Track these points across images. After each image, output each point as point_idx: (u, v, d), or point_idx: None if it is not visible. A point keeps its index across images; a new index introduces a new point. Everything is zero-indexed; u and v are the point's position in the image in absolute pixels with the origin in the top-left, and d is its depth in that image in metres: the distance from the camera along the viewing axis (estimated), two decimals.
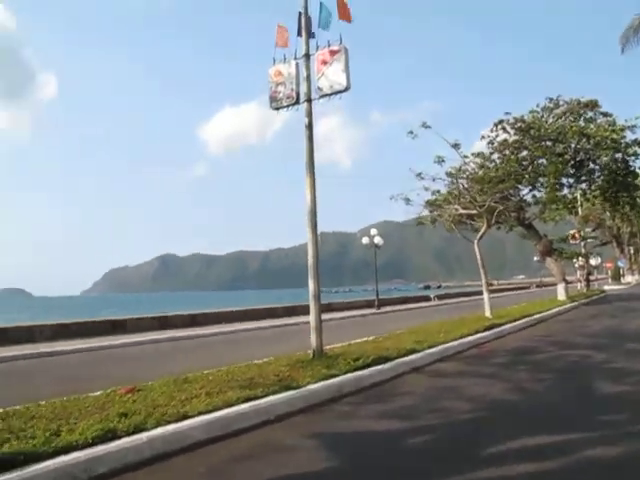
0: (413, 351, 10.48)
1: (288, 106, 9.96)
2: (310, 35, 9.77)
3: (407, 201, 19.42)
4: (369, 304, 32.97)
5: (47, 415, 5.99)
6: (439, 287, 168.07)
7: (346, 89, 9.24)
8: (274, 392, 6.95)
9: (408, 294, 59.48)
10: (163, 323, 21.84)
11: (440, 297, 45.06)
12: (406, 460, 4.83)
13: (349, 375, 8.25)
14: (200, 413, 5.92)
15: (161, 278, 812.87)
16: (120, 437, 5.13)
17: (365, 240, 32.26)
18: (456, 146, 17.78)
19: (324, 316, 25.15)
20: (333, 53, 9.28)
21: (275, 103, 10.05)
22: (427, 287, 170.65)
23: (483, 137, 26.75)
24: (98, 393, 7.31)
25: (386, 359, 9.49)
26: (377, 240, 32.04)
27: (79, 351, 14.85)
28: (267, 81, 10.13)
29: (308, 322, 10.03)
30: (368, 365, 8.89)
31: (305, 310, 25.85)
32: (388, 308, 32.25)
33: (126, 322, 20.97)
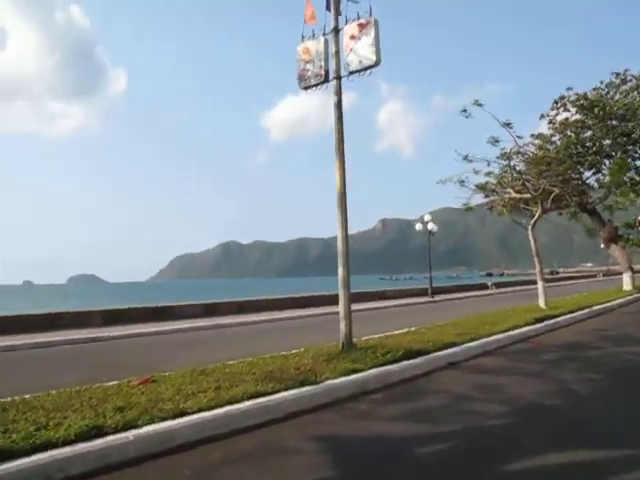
0: (452, 344, 9.78)
1: (317, 85, 9.42)
2: (339, 8, 9.16)
3: (461, 183, 18.41)
4: (423, 292, 32.08)
5: (47, 406, 5.76)
6: (502, 275, 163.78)
7: (376, 64, 8.59)
8: (288, 387, 6.50)
9: (469, 282, 57.86)
10: (210, 310, 21.80)
11: (499, 285, 43.47)
12: (412, 475, 4.26)
13: (375, 370, 7.69)
14: (200, 410, 5.53)
15: (224, 265, 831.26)
16: (106, 434, 4.81)
17: (419, 226, 31.32)
18: (508, 125, 16.62)
19: (374, 304, 24.70)
20: (362, 26, 8.65)
21: (304, 82, 9.52)
22: (489, 275, 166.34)
23: (543, 116, 25.21)
24: (113, 383, 7.11)
25: (419, 353, 8.86)
26: (431, 226, 31.02)
27: (121, 337, 14.88)
28: (295, 59, 9.61)
29: (357, 310, 9.49)
30: (398, 359, 8.30)
31: (356, 298, 25.43)
32: (442, 296, 31.26)
33: (172, 308, 21.05)
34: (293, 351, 9.39)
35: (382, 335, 11.29)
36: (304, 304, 23.90)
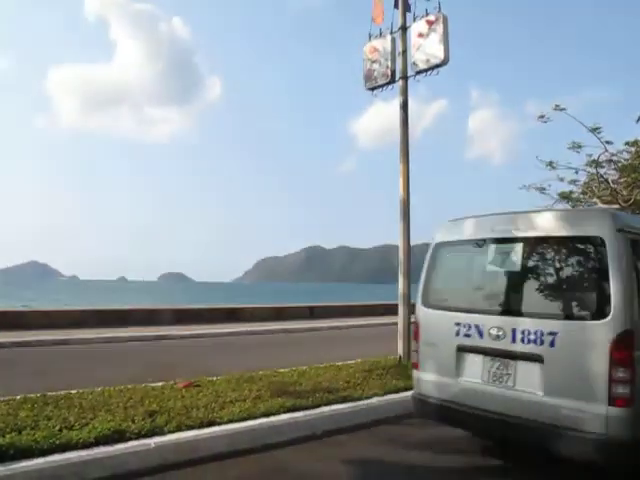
0: None
1: (383, 85, 9.05)
2: (407, 5, 8.75)
3: (542, 191, 17.29)
4: None
5: (84, 404, 5.74)
6: None
7: (444, 62, 8.11)
8: (330, 402, 6.17)
9: None
10: (281, 314, 21.77)
11: None
12: None
13: None
14: (230, 421, 5.30)
15: (307, 269, 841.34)
16: (128, 440, 4.66)
17: None
18: (596, 130, 15.41)
19: None
20: (430, 23, 8.19)
21: (369, 82, 9.18)
22: None
23: None
24: (158, 384, 7.05)
25: None
26: None
27: (187, 337, 15.04)
28: (362, 59, 9.28)
29: None
30: None
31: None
32: None
33: (244, 311, 21.18)
34: (350, 362, 9.04)
35: None
36: (377, 312, 23.40)
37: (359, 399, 6.41)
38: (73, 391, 6.43)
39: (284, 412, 5.69)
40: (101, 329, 15.43)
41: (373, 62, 9.08)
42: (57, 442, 4.43)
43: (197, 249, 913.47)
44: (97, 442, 4.52)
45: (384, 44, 8.96)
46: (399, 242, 8.85)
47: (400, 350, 8.69)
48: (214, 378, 7.45)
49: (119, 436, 4.67)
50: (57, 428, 4.77)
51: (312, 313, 22.68)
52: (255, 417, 5.47)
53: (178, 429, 4.97)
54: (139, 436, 4.73)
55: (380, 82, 9.03)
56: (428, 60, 8.25)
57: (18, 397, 6.05)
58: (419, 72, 8.50)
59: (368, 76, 9.19)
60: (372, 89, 9.22)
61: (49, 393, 6.24)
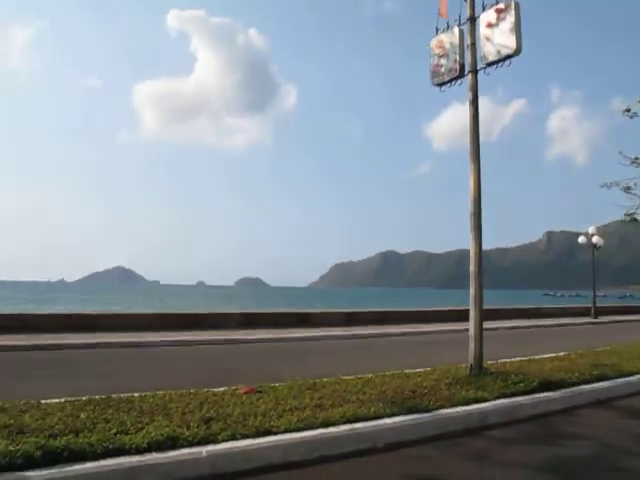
0: (603, 377, 8.37)
1: (451, 81, 8.63)
2: None
3: (627, 190, 16.06)
4: (586, 311, 29.02)
5: (143, 408, 5.69)
6: None
7: (516, 53, 7.60)
8: (394, 413, 5.83)
9: None
10: (351, 319, 21.52)
11: None
12: None
13: (501, 401, 6.69)
14: (287, 430, 5.08)
15: (382, 273, 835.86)
16: (180, 447, 4.54)
17: (582, 239, 28.39)
18: None
19: (527, 322, 22.76)
20: (500, 12, 7.71)
21: (437, 78, 8.78)
22: None
23: None
24: (220, 389, 6.97)
25: (560, 384, 7.66)
26: (596, 240, 27.98)
27: (255, 341, 15.07)
28: (429, 54, 8.90)
29: (507, 328, 8.55)
30: (531, 390, 7.20)
31: (508, 315, 23.62)
32: (608, 318, 27.98)
33: (314, 316, 21.08)
34: (419, 370, 8.67)
35: (524, 359, 10.08)
36: (450, 317, 22.69)
37: (426, 410, 6.04)
38: (136, 394, 6.42)
39: (344, 422, 5.41)
40: (172, 332, 15.75)
41: (440, 57, 8.68)
42: (111, 446, 4.36)
43: (274, 254, 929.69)
44: (150, 448, 4.42)
45: (451, 38, 8.55)
46: (470, 244, 8.39)
47: (471, 358, 8.21)
48: (277, 384, 7.29)
49: (172, 442, 4.55)
50: (113, 432, 4.71)
51: (384, 318, 22.30)
52: (313, 427, 5.22)
53: (232, 437, 4.80)
54: (192, 443, 4.60)
55: (448, 77, 8.62)
56: (499, 51, 7.77)
57: (83, 398, 6.11)
58: (489, 64, 8.03)
59: (435, 72, 8.80)
60: (440, 85, 8.82)
61: (113, 395, 6.27)
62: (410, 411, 5.94)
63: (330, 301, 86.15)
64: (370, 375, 8.16)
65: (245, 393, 6.74)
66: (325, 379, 7.73)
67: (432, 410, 6.08)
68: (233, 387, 7.07)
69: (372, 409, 5.83)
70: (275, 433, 5.00)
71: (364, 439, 5.26)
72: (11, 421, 4.92)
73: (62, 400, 6.00)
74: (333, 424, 5.35)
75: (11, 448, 4.17)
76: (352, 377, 7.97)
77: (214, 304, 68.11)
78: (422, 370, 8.64)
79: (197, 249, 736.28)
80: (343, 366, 9.63)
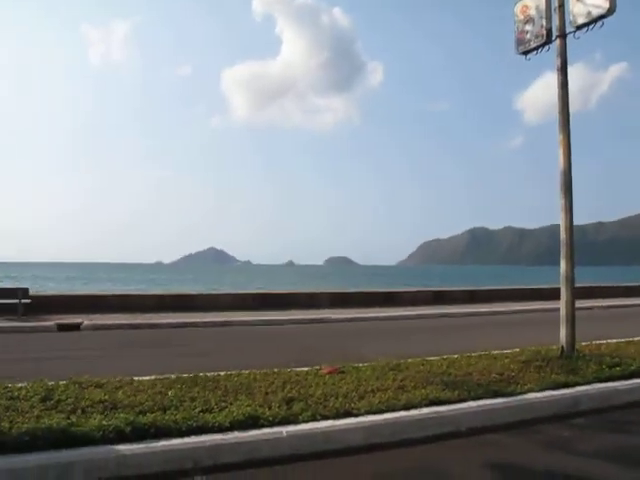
0: None
1: (537, 48, 8.10)
2: None
3: None
4: None
5: (228, 387, 5.84)
6: None
7: (609, 12, 7.00)
8: (478, 396, 5.64)
9: None
10: (440, 297, 21.14)
11: None
12: None
13: (593, 386, 6.30)
14: (367, 412, 5.04)
15: (472, 251, 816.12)
16: (261, 426, 4.61)
17: None
18: None
19: (627, 301, 21.43)
20: None
21: (522, 46, 8.28)
22: None
23: None
24: (303, 369, 7.04)
25: None
26: None
27: (344, 321, 15.13)
28: (513, 21, 8.40)
29: (603, 307, 8.11)
30: (629, 375, 6.73)
31: (604, 292, 22.32)
32: None
33: (402, 294, 20.90)
34: (507, 351, 8.36)
35: (621, 341, 9.48)
36: (543, 296, 21.73)
37: (512, 394, 5.80)
38: (222, 373, 6.60)
39: (427, 405, 5.30)
40: (263, 312, 16.15)
41: (525, 23, 8.17)
42: (195, 424, 4.50)
43: (362, 232, 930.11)
44: (232, 427, 4.52)
45: (537, 1, 8.00)
46: (560, 219, 7.93)
47: (562, 339, 7.80)
48: (360, 365, 7.27)
49: (253, 422, 4.63)
50: (197, 410, 4.86)
51: (473, 297, 21.76)
52: (395, 409, 5.15)
53: (313, 418, 4.82)
54: (273, 423, 4.66)
55: (534, 44, 8.10)
56: (589, 12, 7.20)
57: (172, 376, 6.36)
58: (579, 27, 7.47)
59: (520, 39, 8.29)
60: (525, 53, 8.31)
61: (200, 374, 6.48)
62: (496, 395, 5.72)
63: (418, 279, 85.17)
64: (456, 356, 7.96)
65: (328, 373, 6.76)
66: (409, 360, 7.62)
67: (519, 394, 5.83)
68: (316, 367, 7.12)
69: (456, 392, 5.67)
70: (356, 415, 4.97)
71: (447, 423, 5.12)
72: (106, 397, 5.20)
73: (153, 378, 6.27)
74: (415, 406, 5.26)
75: (104, 423, 4.40)
76: (437, 358, 7.81)
77: (304, 283, 69.24)
78: (510, 351, 8.32)
79: (287, 229, 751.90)
80: (428, 346, 9.48)
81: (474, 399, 5.55)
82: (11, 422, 4.45)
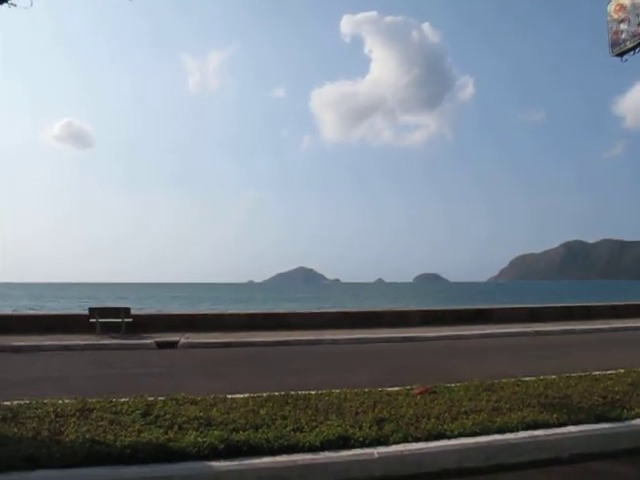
0: None
1: (634, 48, 7.68)
2: None
3: None
4: None
5: (319, 406, 5.88)
6: None
7: None
8: (580, 421, 5.34)
9: None
10: (535, 315, 20.25)
11: None
12: None
13: None
14: (460, 435, 4.90)
15: (568, 265, 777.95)
16: (352, 447, 4.59)
17: None
18: None
19: None
20: None
21: (617, 48, 7.87)
22: None
23: None
24: (395, 388, 6.96)
25: None
26: None
27: (435, 339, 14.82)
28: (606, 21, 8.02)
29: None
30: None
31: None
32: None
33: (494, 311, 20.20)
34: (610, 372, 7.88)
35: None
36: None
37: (618, 419, 5.44)
38: (313, 392, 6.65)
39: (523, 429, 5.08)
40: (353, 330, 16.13)
41: (620, 22, 7.77)
42: (286, 443, 4.56)
43: (453, 248, 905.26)
44: (322, 447, 4.54)
45: None
46: None
47: None
48: (452, 385, 7.10)
49: (344, 442, 4.63)
50: (289, 429, 4.92)
51: (571, 314, 20.67)
52: (489, 432, 4.97)
53: (404, 440, 4.75)
54: (363, 444, 4.63)
55: (631, 44, 7.67)
56: None
57: (264, 395, 6.47)
58: None
59: (615, 40, 7.88)
60: (621, 55, 7.89)
61: (291, 392, 6.56)
62: (599, 419, 5.39)
63: (511, 296, 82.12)
64: (553, 376, 7.61)
65: (419, 393, 6.65)
66: (504, 380, 7.37)
67: (626, 419, 5.45)
68: (407, 387, 7.02)
69: (555, 415, 5.40)
70: (449, 437, 4.85)
71: (545, 448, 4.88)
72: (201, 414, 5.38)
73: (245, 396, 6.41)
74: (511, 430, 5.06)
75: (199, 439, 4.55)
76: (533, 378, 7.49)
77: (394, 301, 68.64)
78: (614, 372, 7.87)
79: (375, 247, 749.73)
80: (524, 366, 9.11)
81: (575, 423, 5.26)
82: (115, 435, 4.70)
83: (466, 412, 5.58)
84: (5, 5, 5.67)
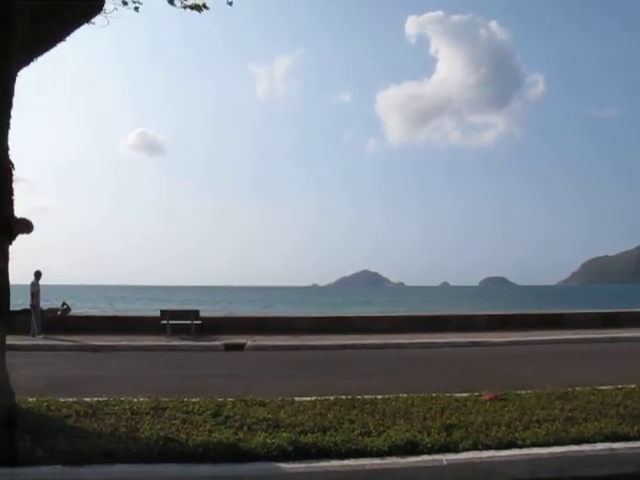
0: None
1: None
2: None
3: None
4: None
5: (386, 410, 5.87)
6: None
7: None
8: None
9: None
10: (610, 320, 19.34)
11: None
12: None
13: None
14: (533, 444, 4.75)
15: None
16: (420, 453, 4.54)
17: None
18: None
19: None
20: None
21: None
22: None
23: None
24: (463, 394, 6.85)
25: None
26: None
27: (503, 344, 14.45)
28: None
29: None
30: None
31: None
32: None
33: (564, 317, 19.48)
34: None
35: None
36: None
37: None
38: (379, 396, 6.63)
39: (600, 440, 4.87)
40: (418, 334, 15.95)
41: None
42: (353, 447, 4.57)
43: (521, 250, 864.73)
44: (390, 452, 4.52)
45: None
46: None
47: None
48: (522, 392, 6.91)
49: (412, 448, 4.59)
50: (356, 433, 4.93)
51: None
52: (563, 443, 4.80)
53: (474, 447, 4.66)
54: (432, 450, 4.58)
55: None
56: None
57: (331, 398, 6.51)
58: None
59: None
60: None
61: (358, 396, 6.56)
62: None
63: (583, 300, 78.81)
64: (632, 386, 7.25)
65: (488, 400, 6.51)
66: (577, 388, 7.10)
67: None
68: (476, 393, 6.89)
69: (635, 427, 5.14)
70: (520, 446, 4.72)
71: (626, 462, 4.65)
72: (269, 415, 5.48)
73: (312, 399, 6.47)
74: (587, 441, 4.86)
75: (268, 440, 4.63)
76: (610, 387, 7.17)
77: (459, 305, 67.43)
78: None
79: (440, 249, 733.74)
80: (599, 374, 8.72)
81: None
82: (187, 434, 4.86)
83: (538, 421, 5.41)
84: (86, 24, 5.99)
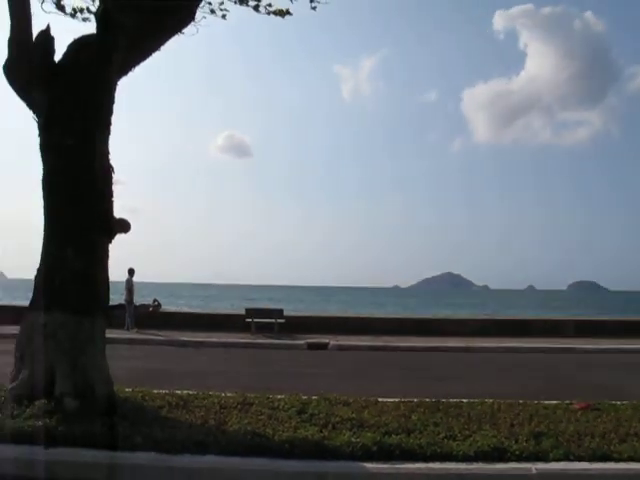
0: None
1: None
2: None
3: None
4: None
5: (471, 415, 5.75)
6: None
7: None
8: None
9: None
10: None
11: None
12: None
13: None
14: (630, 458, 4.50)
15: None
16: (508, 460, 4.43)
17: None
18: None
19: None
20: None
21: None
22: None
23: None
24: (552, 402, 6.61)
25: None
26: None
27: (594, 351, 13.82)
28: None
29: None
30: None
31: None
32: None
33: None
34: None
35: None
36: None
37: None
38: (464, 400, 6.52)
39: None
40: (503, 338, 15.52)
41: None
42: (438, 450, 4.52)
43: (614, 252, 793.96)
44: (476, 457, 4.44)
45: None
46: None
47: None
48: (618, 402, 6.57)
49: (499, 454, 4.49)
50: (441, 436, 4.88)
51: None
52: None
53: (565, 457, 4.48)
54: (520, 458, 4.45)
55: None
56: None
57: (415, 400, 6.47)
58: None
59: None
60: None
61: (442, 400, 6.49)
62: None
63: None
64: None
65: (580, 409, 6.25)
66: None
67: None
68: (566, 401, 6.62)
69: None
70: (616, 460, 4.49)
71: None
72: (353, 415, 5.51)
73: (396, 400, 6.45)
74: None
75: (353, 440, 4.67)
76: None
77: (544, 309, 64.84)
78: None
79: (526, 251, 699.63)
80: None
81: None
82: (273, 429, 4.98)
83: (636, 434, 5.12)
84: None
